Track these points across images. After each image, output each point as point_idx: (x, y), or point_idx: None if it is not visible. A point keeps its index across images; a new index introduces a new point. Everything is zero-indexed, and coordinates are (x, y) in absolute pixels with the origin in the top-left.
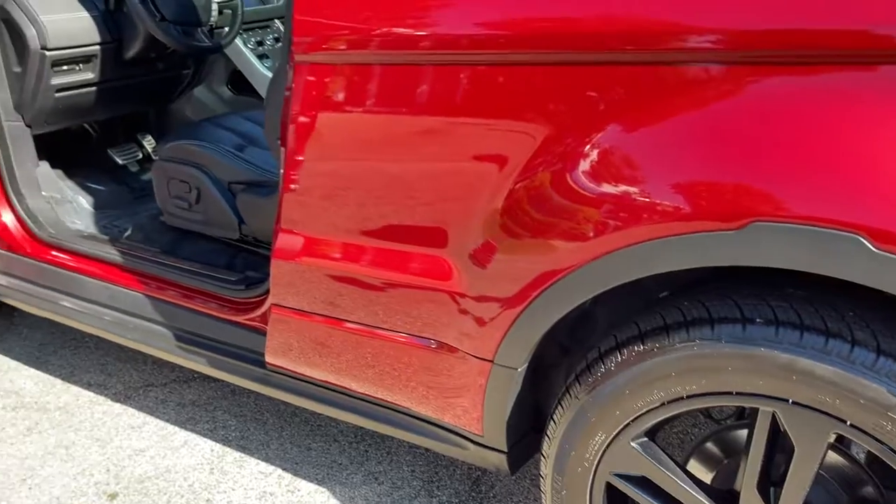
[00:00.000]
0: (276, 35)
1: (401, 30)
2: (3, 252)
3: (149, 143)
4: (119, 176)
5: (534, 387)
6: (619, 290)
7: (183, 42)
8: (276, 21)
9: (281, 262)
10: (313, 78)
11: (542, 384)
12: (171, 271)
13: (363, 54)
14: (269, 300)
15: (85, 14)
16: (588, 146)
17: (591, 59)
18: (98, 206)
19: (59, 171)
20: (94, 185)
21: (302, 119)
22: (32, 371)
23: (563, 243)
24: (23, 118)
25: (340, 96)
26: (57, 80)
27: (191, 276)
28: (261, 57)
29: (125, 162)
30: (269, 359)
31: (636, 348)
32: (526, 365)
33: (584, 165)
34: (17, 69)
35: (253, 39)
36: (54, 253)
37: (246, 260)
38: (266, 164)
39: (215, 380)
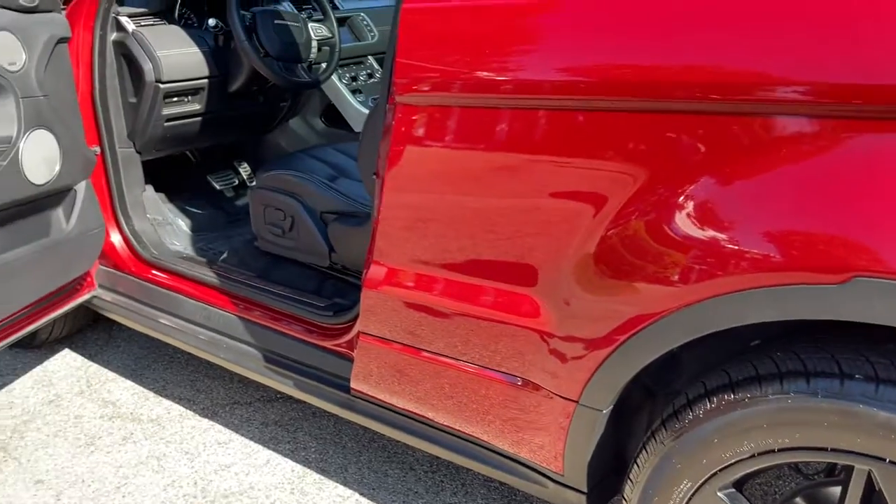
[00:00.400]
0: (368, 71)
1: (499, 75)
2: (109, 269)
3: (244, 170)
4: (216, 200)
5: (616, 428)
6: (708, 336)
7: (284, 77)
8: (370, 58)
9: (372, 292)
10: (412, 117)
11: (624, 426)
12: (262, 295)
13: (462, 97)
14: (357, 327)
15: (196, 49)
16: (685, 194)
17: (689, 108)
18: (196, 229)
19: (162, 195)
20: (192, 209)
21: (398, 155)
22: (128, 383)
23: (657, 289)
24: (134, 145)
25: (437, 135)
26: (167, 111)
27: (281, 300)
28: (354, 92)
29: (222, 188)
30: (354, 385)
31: (726, 397)
32: (611, 407)
33: (682, 213)
34: (133, 100)
35: (347, 75)
36: (155, 272)
37: (334, 287)
38: (357, 196)
39: (297, 401)
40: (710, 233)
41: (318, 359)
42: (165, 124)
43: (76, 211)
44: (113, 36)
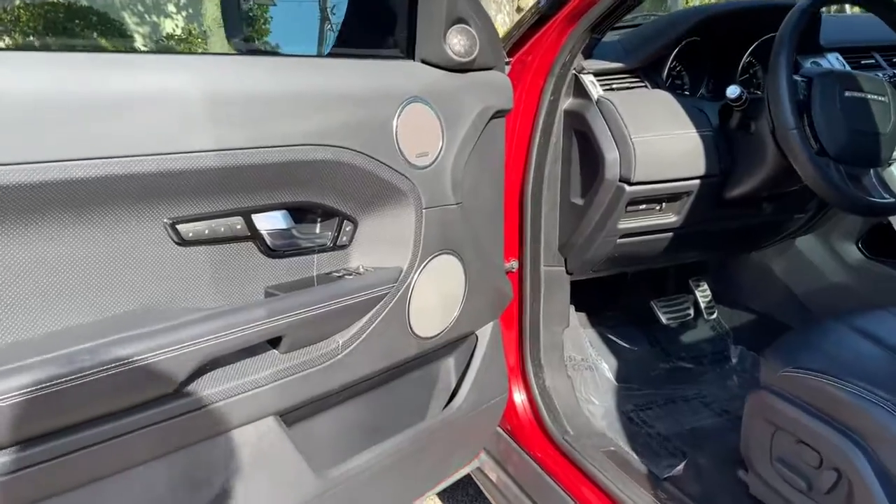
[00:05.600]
0: None
1: None
2: (502, 434)
3: (703, 294)
4: (657, 336)
5: None
6: None
7: (841, 191)
8: None
9: None
10: None
11: None
12: None
13: None
14: None
15: (692, 133)
16: None
17: None
18: (625, 378)
19: (583, 317)
20: (621, 343)
21: None
22: None
23: None
24: (565, 263)
25: None
26: (626, 224)
27: None
28: None
29: (670, 320)
30: None
31: None
32: None
33: None
34: (578, 200)
35: None
36: (563, 461)
37: None
38: None
39: None
40: None
41: None
42: (619, 241)
43: (473, 372)
44: (567, 102)
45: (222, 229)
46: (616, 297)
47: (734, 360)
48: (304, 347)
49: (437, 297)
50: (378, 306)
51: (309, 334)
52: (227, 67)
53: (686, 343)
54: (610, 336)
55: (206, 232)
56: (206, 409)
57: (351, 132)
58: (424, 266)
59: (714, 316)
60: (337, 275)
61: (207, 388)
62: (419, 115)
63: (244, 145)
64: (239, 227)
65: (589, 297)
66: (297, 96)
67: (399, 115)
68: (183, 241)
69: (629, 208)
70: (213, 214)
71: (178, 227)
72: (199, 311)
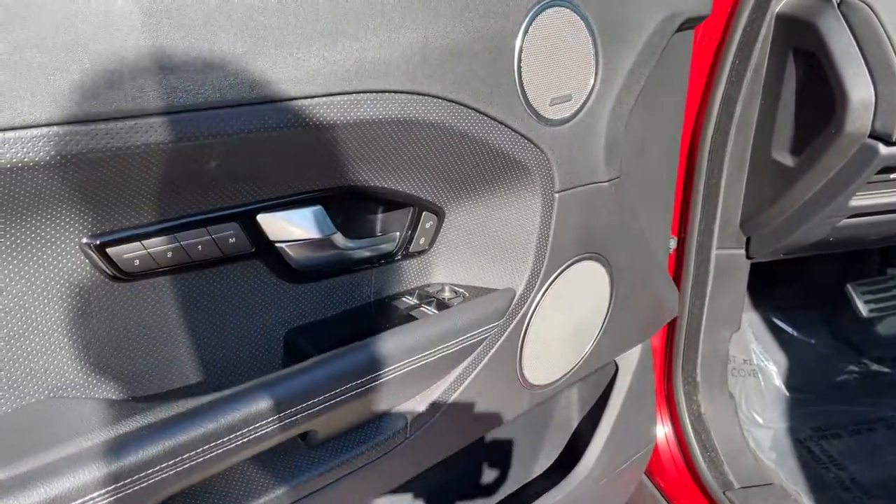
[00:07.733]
0: None
1: None
2: (648, 480)
3: None
4: (841, 323)
5: None
6: None
7: None
8: None
9: None
10: None
11: None
12: None
13: None
14: None
15: None
16: None
17: None
18: (797, 386)
19: (746, 300)
20: (795, 335)
21: None
22: None
23: None
24: (747, 245)
25: None
26: (864, 199)
27: None
28: None
29: (871, 312)
30: None
31: None
32: None
33: None
34: (785, 160)
35: None
36: None
37: None
38: None
39: None
40: None
41: None
42: (844, 222)
43: (609, 421)
44: (780, 3)
45: (200, 247)
46: (792, 272)
47: None
48: (351, 433)
49: (567, 327)
50: (473, 355)
51: (359, 414)
52: None
53: (885, 339)
54: (779, 324)
55: (170, 255)
56: None
57: (435, 68)
58: (552, 283)
59: None
60: (409, 302)
61: None
62: (561, 29)
63: (217, 102)
64: (233, 239)
65: (753, 269)
66: (316, 5)
67: (527, 31)
68: (123, 274)
69: (878, 176)
70: (180, 223)
71: (110, 251)
72: (160, 409)
